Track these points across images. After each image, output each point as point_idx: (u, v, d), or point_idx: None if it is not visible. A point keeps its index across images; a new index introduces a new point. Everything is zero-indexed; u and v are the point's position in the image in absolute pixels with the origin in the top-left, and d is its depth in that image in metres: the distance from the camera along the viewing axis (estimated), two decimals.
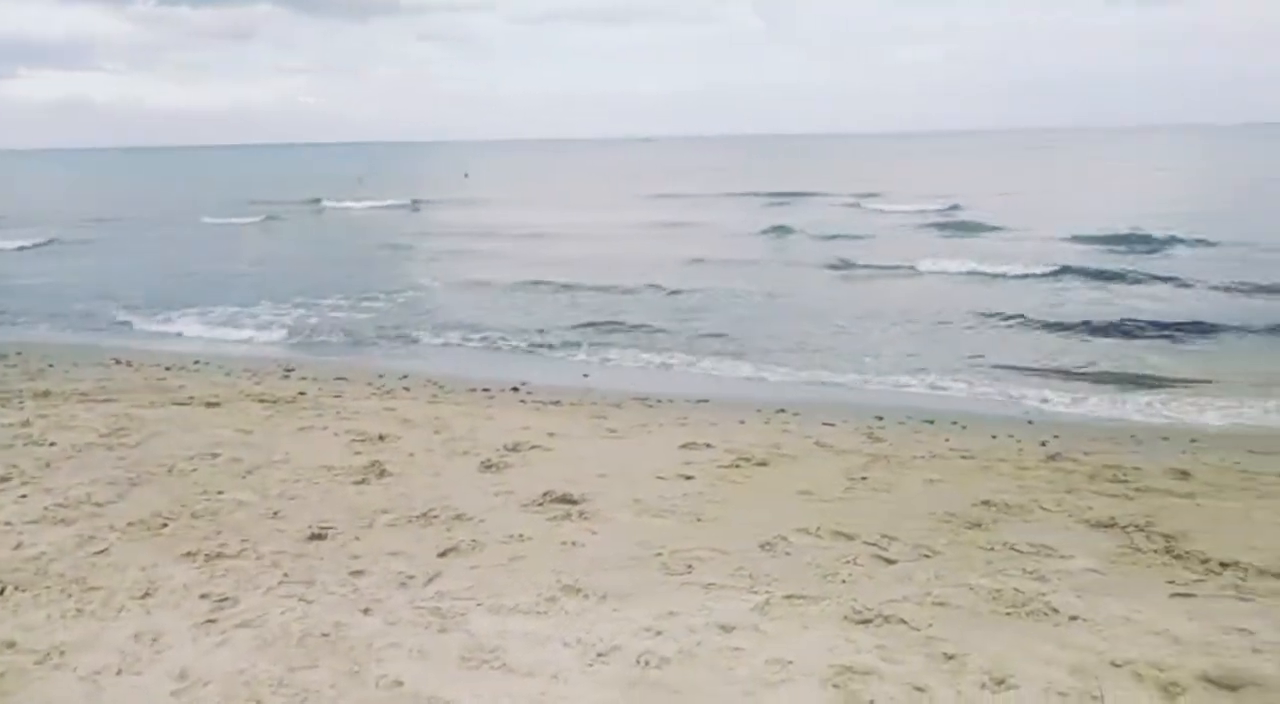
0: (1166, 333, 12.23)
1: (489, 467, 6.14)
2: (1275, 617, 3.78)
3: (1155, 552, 4.64)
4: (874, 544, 4.75)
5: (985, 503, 5.45)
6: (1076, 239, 21.63)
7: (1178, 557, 4.55)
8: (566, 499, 5.41)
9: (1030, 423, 8.40)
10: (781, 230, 25.96)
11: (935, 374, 10.34)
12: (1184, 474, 6.28)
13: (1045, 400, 9.28)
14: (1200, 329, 12.31)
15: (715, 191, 43.67)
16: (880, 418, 8.41)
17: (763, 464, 6.41)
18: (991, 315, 13.64)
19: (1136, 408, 8.90)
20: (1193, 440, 7.71)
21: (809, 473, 6.20)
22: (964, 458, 6.77)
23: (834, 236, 24.46)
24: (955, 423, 8.28)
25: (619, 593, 4.10)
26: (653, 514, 5.23)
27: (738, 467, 6.33)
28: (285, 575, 4.31)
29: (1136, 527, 4.96)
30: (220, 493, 5.52)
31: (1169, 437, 7.86)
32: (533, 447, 6.67)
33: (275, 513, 5.19)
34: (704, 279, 17.49)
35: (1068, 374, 10.35)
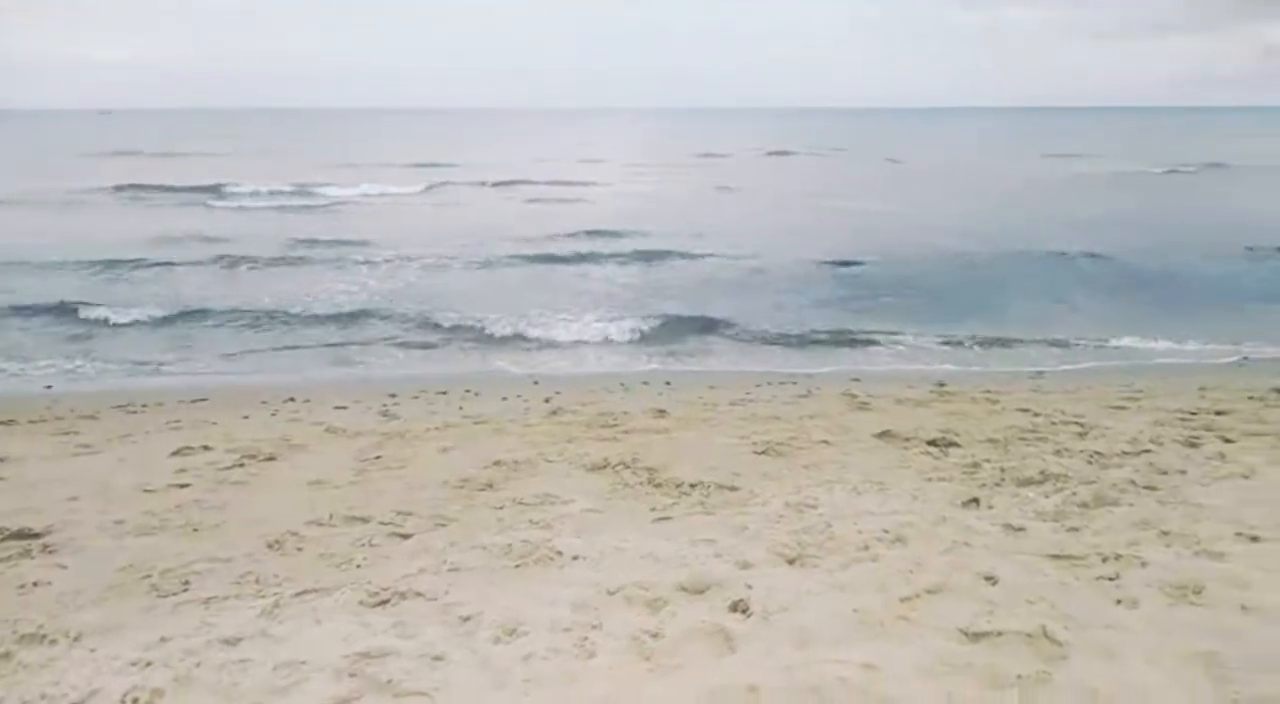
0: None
1: None
2: (730, 524, 4.46)
3: (640, 484, 5.20)
4: (389, 523, 4.70)
5: (496, 463, 5.69)
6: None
7: (658, 485, 5.16)
8: (24, 534, 4.57)
9: (536, 383, 8.96)
10: None
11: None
12: (662, 413, 7.15)
13: (549, 363, 9.97)
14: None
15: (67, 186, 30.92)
16: (394, 395, 8.37)
17: (270, 459, 6.01)
18: None
19: (619, 362, 9.95)
20: (667, 383, 8.81)
21: (320, 461, 5.95)
22: (477, 423, 6.99)
23: None
24: (469, 390, 8.53)
25: (98, 629, 3.56)
26: (139, 533, 4.63)
27: (242, 465, 5.87)
28: None
29: (625, 464, 5.53)
30: None
31: (649, 381, 8.90)
32: None
33: None
34: None
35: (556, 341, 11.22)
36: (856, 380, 8.81)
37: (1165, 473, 4.93)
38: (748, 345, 10.82)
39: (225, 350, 10.66)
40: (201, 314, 12.31)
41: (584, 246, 17.85)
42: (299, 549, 4.41)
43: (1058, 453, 5.42)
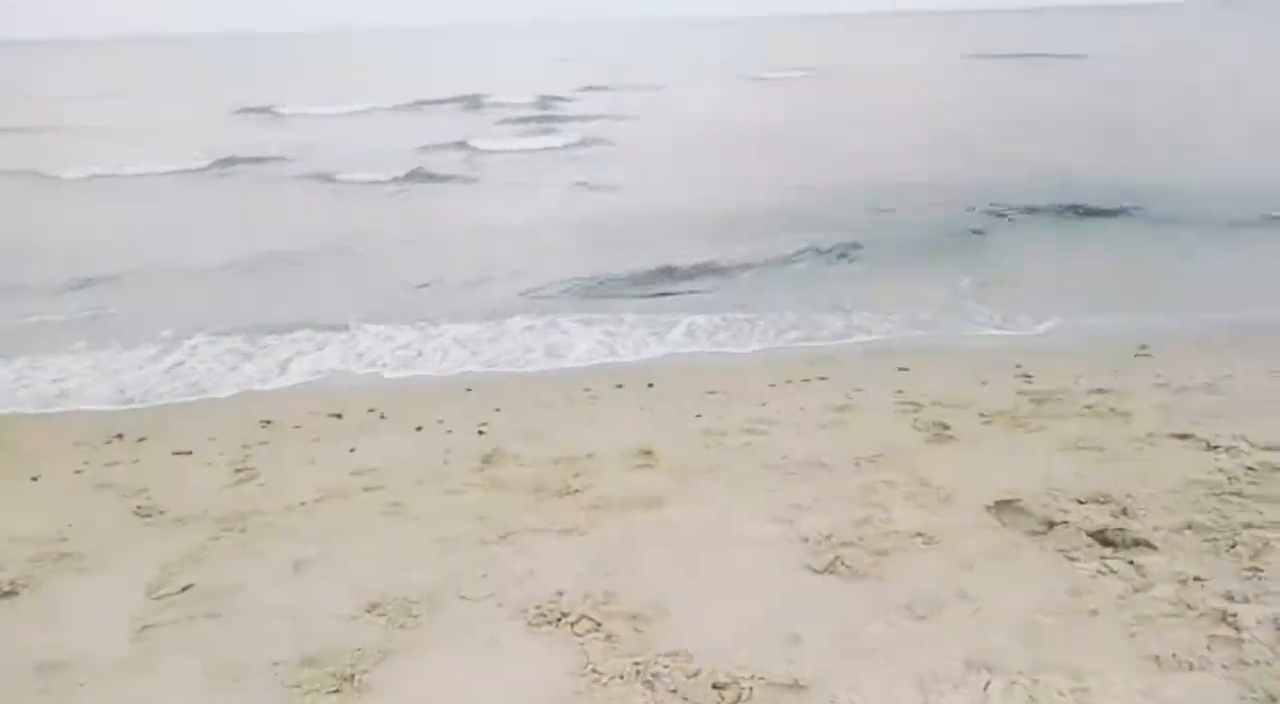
0: None
1: None
2: None
3: (624, 675, 2.88)
4: None
5: (373, 607, 3.35)
6: None
7: (653, 678, 2.84)
8: None
9: (469, 390, 6.55)
10: None
11: None
12: (648, 456, 4.83)
13: (489, 348, 7.54)
14: None
15: None
16: (269, 422, 5.95)
17: (8, 596, 3.65)
18: None
19: (583, 348, 7.52)
20: (650, 385, 6.45)
21: (90, 600, 3.60)
22: (368, 489, 4.62)
23: None
24: (373, 410, 6.12)
25: None
26: None
27: None
28: None
29: (590, 616, 3.19)
30: None
31: (624, 382, 6.53)
32: None
33: None
34: None
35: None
36: (903, 369, 6.49)
37: None
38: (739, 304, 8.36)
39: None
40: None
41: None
42: None
43: None
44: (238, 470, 5.05)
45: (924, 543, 3.59)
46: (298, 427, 5.86)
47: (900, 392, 5.89)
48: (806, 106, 24.11)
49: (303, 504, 4.45)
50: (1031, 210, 11.53)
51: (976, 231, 10.73)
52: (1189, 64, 31.71)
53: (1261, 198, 11.52)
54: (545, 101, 26.28)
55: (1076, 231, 10.86)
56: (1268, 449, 4.37)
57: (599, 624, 3.12)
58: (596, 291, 8.98)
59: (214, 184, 15.90)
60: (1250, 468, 4.17)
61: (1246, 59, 37.70)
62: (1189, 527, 3.55)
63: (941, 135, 18.55)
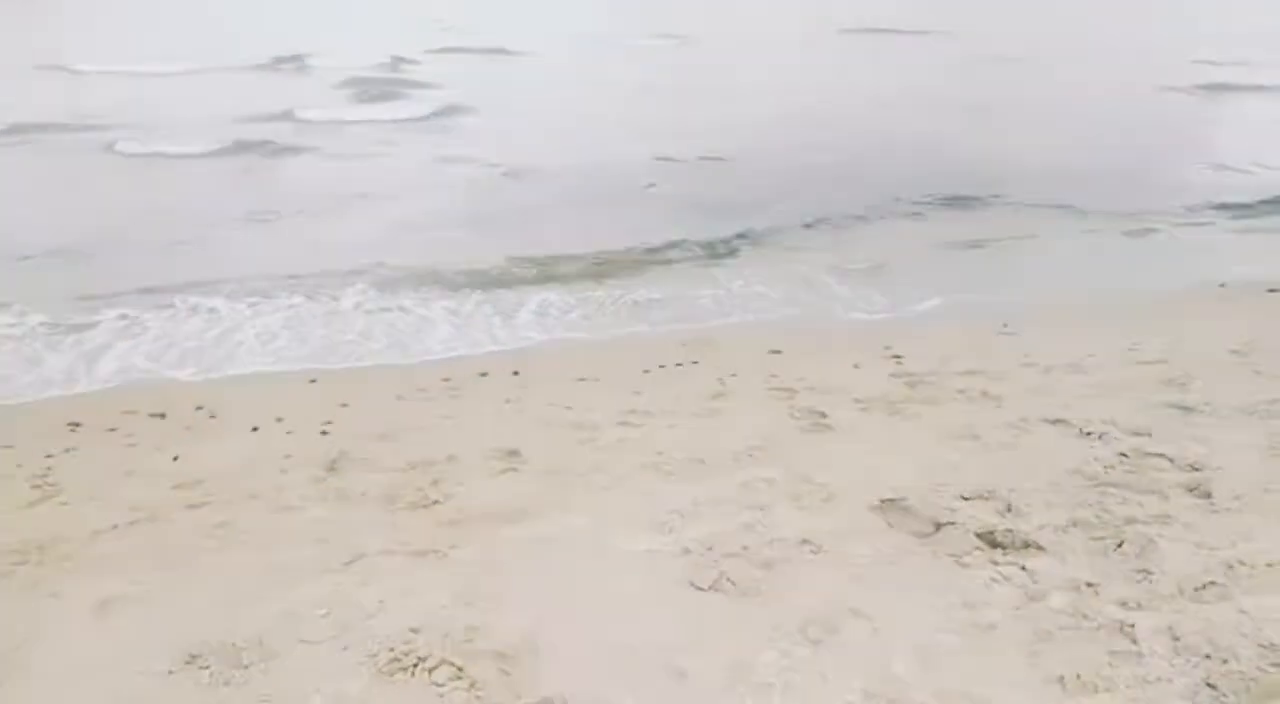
0: None
1: None
2: None
3: None
4: None
5: (192, 660, 2.87)
6: None
7: None
8: None
9: (313, 382, 5.97)
10: None
11: None
12: (513, 457, 4.46)
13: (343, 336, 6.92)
14: None
15: None
16: (77, 425, 5.23)
17: None
18: None
19: (441, 334, 7.01)
20: (515, 373, 6.05)
21: None
22: (192, 506, 4.06)
23: None
24: (201, 408, 5.49)
25: None
26: None
27: None
28: None
29: (452, 661, 2.82)
30: None
31: (488, 370, 6.10)
32: None
33: None
34: None
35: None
36: (776, 352, 6.32)
37: None
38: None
39: None
40: None
41: None
42: None
43: (1229, 568, 3.10)
44: (36, 487, 4.37)
45: (811, 552, 3.37)
46: (112, 430, 5.17)
47: (774, 376, 5.71)
48: (675, 78, 23.69)
49: (114, 528, 3.86)
50: (904, 195, 11.47)
51: (856, 217, 10.59)
52: (1070, 41, 32.66)
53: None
54: (395, 63, 24.92)
55: (944, 216, 10.88)
56: (1136, 434, 4.38)
57: (460, 669, 2.74)
58: (451, 275, 8.40)
59: None
60: (1123, 454, 4.16)
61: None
62: (1074, 523, 3.47)
63: (814, 112, 18.53)
